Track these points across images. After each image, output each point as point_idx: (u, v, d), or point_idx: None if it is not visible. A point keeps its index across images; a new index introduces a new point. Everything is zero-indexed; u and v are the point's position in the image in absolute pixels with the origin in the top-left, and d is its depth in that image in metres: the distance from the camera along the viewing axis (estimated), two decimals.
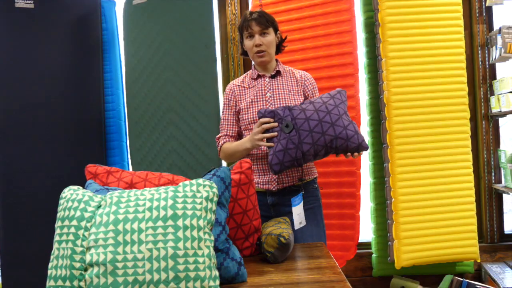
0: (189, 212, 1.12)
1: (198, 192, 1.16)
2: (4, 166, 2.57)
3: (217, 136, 1.96)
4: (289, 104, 1.85)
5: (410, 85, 2.36)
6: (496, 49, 2.55)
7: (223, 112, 1.97)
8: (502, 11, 2.86)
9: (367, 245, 2.76)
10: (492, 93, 2.68)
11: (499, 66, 2.74)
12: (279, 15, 2.59)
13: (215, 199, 1.19)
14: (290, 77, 1.93)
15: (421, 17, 2.38)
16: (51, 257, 1.15)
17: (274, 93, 1.87)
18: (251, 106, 1.88)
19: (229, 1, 2.83)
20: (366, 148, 1.72)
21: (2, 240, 2.55)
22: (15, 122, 2.58)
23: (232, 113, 1.94)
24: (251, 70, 1.97)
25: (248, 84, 1.93)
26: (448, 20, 2.39)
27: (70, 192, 1.21)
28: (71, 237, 1.11)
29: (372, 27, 2.59)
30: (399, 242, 2.32)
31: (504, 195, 2.70)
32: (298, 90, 1.90)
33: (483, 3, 2.69)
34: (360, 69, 2.56)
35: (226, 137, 1.94)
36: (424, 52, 2.37)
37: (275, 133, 1.68)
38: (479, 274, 2.62)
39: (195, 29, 2.61)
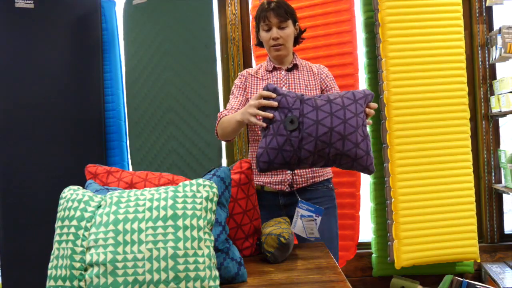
0: (189, 212, 1.12)
1: (198, 192, 1.16)
2: (4, 166, 2.57)
3: (220, 112, 1.77)
4: None
5: (410, 85, 2.36)
6: (496, 49, 2.55)
7: (232, 92, 1.83)
8: (502, 11, 2.87)
9: (367, 245, 2.76)
10: (492, 93, 2.68)
11: (499, 66, 2.74)
12: None
13: (215, 199, 1.19)
14: (307, 71, 1.82)
15: (421, 17, 2.38)
16: (51, 257, 1.15)
17: (290, 87, 1.77)
18: None
19: (229, 1, 2.83)
20: (371, 172, 1.50)
21: (2, 240, 2.55)
22: (15, 122, 2.58)
23: (242, 94, 1.80)
24: (265, 62, 1.86)
25: (262, 76, 1.82)
26: (448, 20, 2.39)
27: (70, 192, 1.21)
28: (71, 237, 1.11)
29: (372, 27, 2.59)
30: (399, 242, 2.32)
31: (504, 195, 2.70)
32: (315, 85, 1.80)
33: (483, 3, 2.69)
34: (360, 69, 2.56)
35: (232, 110, 1.76)
36: (424, 52, 2.37)
37: (270, 115, 1.42)
38: (479, 274, 2.62)
39: (195, 29, 2.61)
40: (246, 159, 1.54)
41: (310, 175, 1.77)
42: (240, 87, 1.83)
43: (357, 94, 1.49)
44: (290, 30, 1.75)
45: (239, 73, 1.89)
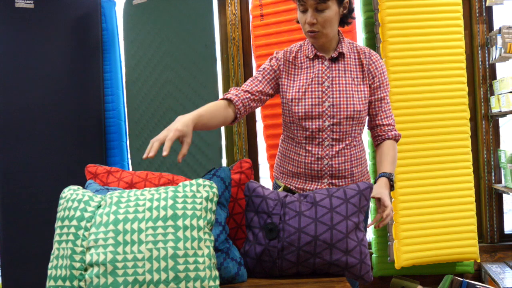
0: (189, 212, 1.12)
1: (198, 192, 1.16)
2: (4, 166, 2.57)
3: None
4: (351, 97, 1.49)
5: (410, 85, 2.36)
6: (496, 49, 2.55)
7: (259, 70, 1.58)
8: (502, 11, 2.86)
9: None
10: (492, 93, 2.68)
11: (499, 66, 2.74)
12: (279, 15, 2.59)
13: (215, 199, 1.19)
14: (355, 58, 1.55)
15: (421, 17, 2.38)
16: (51, 257, 1.15)
17: (334, 82, 1.50)
18: (304, 96, 1.51)
19: (229, 1, 2.82)
20: (367, 282, 1.31)
21: (2, 240, 2.55)
22: (15, 122, 2.58)
23: (267, 79, 1.55)
24: (306, 42, 1.56)
25: (301, 64, 1.55)
26: (448, 20, 2.39)
27: (70, 192, 1.21)
28: (71, 237, 1.11)
29: (372, 27, 2.59)
30: (399, 242, 2.32)
31: (504, 195, 2.70)
32: (363, 78, 1.53)
33: (483, 3, 2.69)
34: None
35: (241, 91, 1.50)
36: (424, 52, 2.37)
37: (165, 153, 1.17)
38: (479, 274, 2.62)
39: (195, 29, 2.60)
40: (246, 159, 1.54)
41: (350, 182, 1.56)
42: (269, 71, 1.56)
43: (349, 192, 1.30)
44: (331, 13, 1.44)
45: (276, 53, 1.60)
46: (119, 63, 2.85)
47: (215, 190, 1.20)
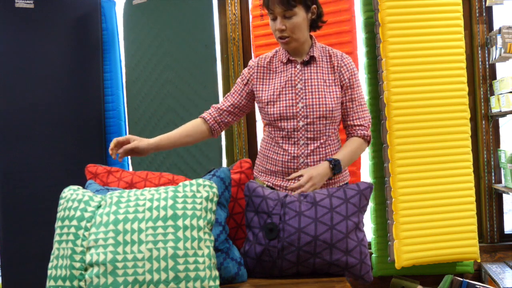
0: (189, 212, 1.12)
1: (198, 192, 1.16)
2: (4, 166, 2.57)
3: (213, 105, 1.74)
4: (323, 98, 1.57)
5: (410, 85, 2.36)
6: (496, 49, 2.55)
7: (235, 84, 1.74)
8: (502, 11, 2.86)
9: None
10: (492, 93, 2.68)
11: (499, 66, 2.74)
12: None
13: (215, 199, 1.19)
14: (327, 62, 1.63)
15: (421, 17, 2.38)
16: (51, 257, 1.15)
17: (306, 84, 1.59)
18: (278, 99, 1.59)
19: (229, 1, 2.82)
20: (367, 282, 1.32)
21: (2, 240, 2.55)
22: (15, 122, 2.58)
23: (239, 91, 1.69)
24: (282, 48, 1.65)
25: (276, 68, 1.64)
26: (448, 20, 2.39)
27: (70, 192, 1.21)
28: (71, 237, 1.11)
29: (372, 27, 2.59)
30: (399, 242, 2.32)
31: (504, 195, 2.70)
32: (334, 79, 1.61)
33: (483, 3, 2.69)
34: (360, 69, 2.56)
35: (214, 110, 1.69)
36: (424, 52, 2.37)
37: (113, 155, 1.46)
38: (479, 274, 2.62)
39: (195, 29, 2.60)
40: (246, 159, 1.54)
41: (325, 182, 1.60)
42: (240, 84, 1.70)
43: (349, 192, 1.32)
44: (299, 19, 1.53)
45: (250, 62, 1.71)
46: (119, 63, 2.85)
47: (215, 190, 1.20)
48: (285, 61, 1.63)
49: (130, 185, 1.43)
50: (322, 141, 1.61)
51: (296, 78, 1.60)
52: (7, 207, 2.55)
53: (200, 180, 1.20)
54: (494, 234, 2.69)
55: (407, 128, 2.35)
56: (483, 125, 2.70)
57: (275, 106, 1.60)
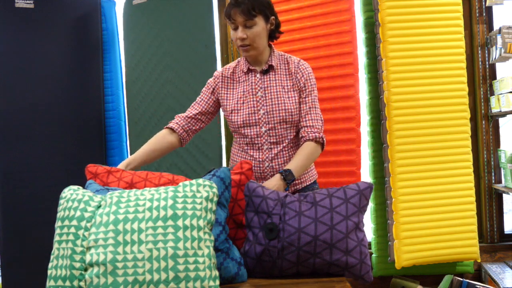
0: (189, 212, 1.12)
1: (198, 192, 1.16)
2: (4, 166, 2.57)
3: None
4: (283, 103, 1.65)
5: (410, 85, 2.36)
6: (496, 49, 2.55)
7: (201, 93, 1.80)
8: (502, 11, 2.86)
9: None
10: (492, 93, 2.68)
11: (499, 66, 2.74)
12: (279, 15, 2.56)
13: (215, 199, 1.19)
14: (285, 69, 1.72)
15: (421, 17, 2.38)
16: (51, 257, 1.15)
17: (266, 91, 1.68)
18: (241, 107, 1.69)
19: (229, 1, 2.82)
20: (368, 282, 1.33)
21: (2, 240, 2.55)
22: (15, 122, 2.58)
23: (205, 99, 1.75)
24: (242, 58, 1.75)
25: (238, 78, 1.74)
26: (448, 20, 2.39)
27: (70, 192, 1.21)
28: (71, 237, 1.11)
29: (372, 27, 2.59)
30: (399, 242, 2.32)
31: (504, 195, 2.70)
32: (292, 85, 1.69)
33: (483, 3, 2.69)
34: (360, 69, 2.56)
35: (181, 118, 1.74)
36: (424, 52, 2.37)
37: None
38: (479, 274, 2.62)
39: (195, 29, 2.60)
40: (247, 160, 1.54)
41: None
42: (206, 92, 1.76)
43: (349, 192, 1.32)
44: (259, 28, 1.62)
45: (215, 72, 1.80)
46: (119, 63, 2.85)
47: (215, 190, 1.20)
48: (246, 70, 1.72)
49: (130, 185, 1.43)
50: (284, 144, 1.69)
51: (256, 86, 1.69)
52: (7, 207, 2.55)
53: (200, 180, 1.20)
54: (494, 234, 2.69)
55: (407, 128, 2.35)
56: (483, 125, 2.70)
57: (238, 114, 1.69)
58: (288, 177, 1.55)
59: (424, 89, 2.36)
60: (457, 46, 2.39)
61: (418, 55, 2.37)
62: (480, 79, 2.70)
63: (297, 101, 1.69)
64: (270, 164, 1.68)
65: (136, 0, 2.71)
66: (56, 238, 1.15)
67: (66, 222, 1.14)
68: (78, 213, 1.14)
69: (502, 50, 2.48)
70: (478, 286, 2.20)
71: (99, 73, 2.69)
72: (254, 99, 1.68)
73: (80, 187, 1.25)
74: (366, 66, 2.63)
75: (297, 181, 1.72)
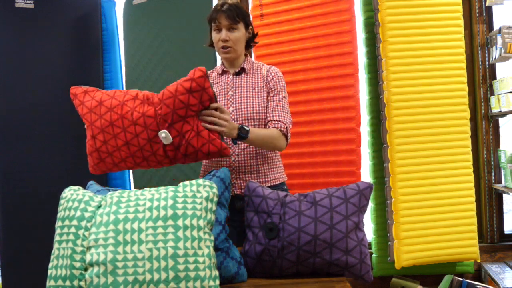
0: (189, 212, 1.12)
1: (198, 192, 1.16)
2: (4, 166, 2.57)
3: None
4: (251, 102, 1.74)
5: (410, 85, 2.36)
6: (496, 49, 2.55)
7: None
8: (502, 11, 2.87)
9: None
10: (492, 93, 2.68)
11: (499, 66, 2.74)
12: (279, 15, 2.59)
13: (215, 199, 1.19)
14: (257, 73, 1.84)
15: (421, 17, 2.38)
16: (51, 257, 1.15)
17: (236, 91, 1.79)
18: None
19: (229, 1, 2.82)
20: (368, 282, 1.34)
21: (2, 240, 2.55)
22: (15, 122, 2.58)
23: None
24: (220, 63, 1.90)
25: (214, 80, 1.87)
26: (448, 20, 2.39)
27: (71, 192, 1.21)
28: (71, 237, 1.11)
29: (372, 27, 2.59)
30: (399, 242, 2.32)
31: (504, 195, 2.70)
32: (262, 87, 1.80)
33: (483, 3, 2.69)
34: (360, 69, 2.56)
35: None
36: (424, 52, 2.37)
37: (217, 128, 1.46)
38: (479, 274, 2.62)
39: (195, 29, 2.60)
40: (201, 67, 1.51)
41: (256, 180, 1.73)
42: None
43: (349, 191, 1.33)
44: (240, 34, 1.77)
45: None
46: (119, 63, 2.85)
47: (215, 190, 1.20)
48: (220, 72, 1.86)
49: (100, 103, 1.53)
50: None
51: (228, 86, 1.81)
52: (7, 207, 2.55)
53: (200, 180, 1.21)
54: (494, 234, 2.69)
55: (407, 128, 2.35)
56: (483, 125, 2.70)
57: None
58: (243, 130, 1.59)
59: (424, 89, 2.36)
60: (457, 46, 2.39)
61: (418, 55, 2.37)
62: (480, 79, 2.70)
63: (265, 100, 1.78)
64: (236, 159, 1.74)
65: (136, 0, 2.71)
66: (57, 238, 1.15)
67: (67, 222, 1.14)
68: (79, 213, 1.14)
69: (502, 50, 2.48)
70: (478, 286, 2.20)
71: (99, 73, 2.69)
72: (225, 97, 1.79)
73: (81, 188, 1.25)
74: (366, 66, 2.63)
75: (262, 179, 1.75)
